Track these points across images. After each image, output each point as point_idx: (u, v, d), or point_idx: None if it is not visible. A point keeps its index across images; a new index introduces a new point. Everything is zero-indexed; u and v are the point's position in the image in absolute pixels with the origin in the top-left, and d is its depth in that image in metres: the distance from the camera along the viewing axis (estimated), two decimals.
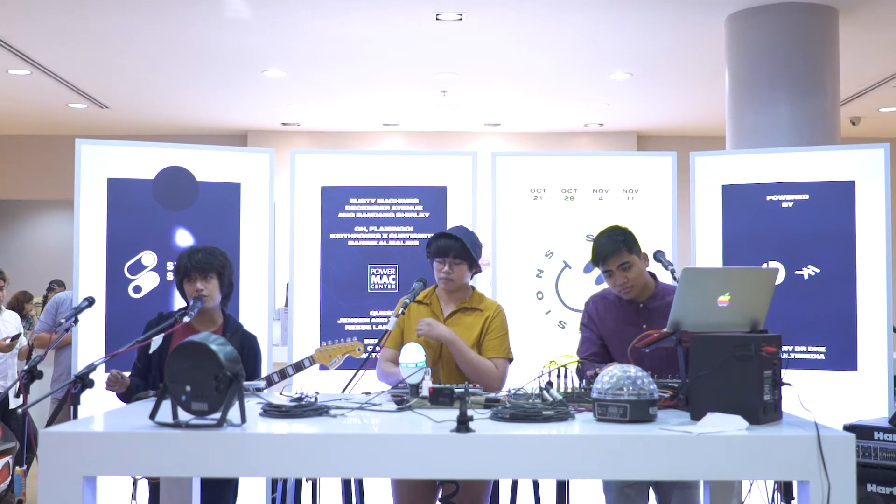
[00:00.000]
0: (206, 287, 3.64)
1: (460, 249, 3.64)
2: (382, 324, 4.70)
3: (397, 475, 3.16)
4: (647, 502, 3.65)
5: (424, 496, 3.54)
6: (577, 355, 3.65)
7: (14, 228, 13.25)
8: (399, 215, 4.83)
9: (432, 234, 3.79)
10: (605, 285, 3.72)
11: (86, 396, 3.34)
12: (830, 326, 4.66)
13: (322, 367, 3.76)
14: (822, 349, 4.66)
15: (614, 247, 3.52)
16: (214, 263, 3.67)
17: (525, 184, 4.90)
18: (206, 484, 3.45)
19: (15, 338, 6.42)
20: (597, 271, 4.75)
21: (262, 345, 4.01)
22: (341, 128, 11.61)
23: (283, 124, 11.48)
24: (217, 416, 2.58)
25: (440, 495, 3.50)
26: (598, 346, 3.64)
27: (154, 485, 3.57)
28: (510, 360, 3.70)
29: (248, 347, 3.72)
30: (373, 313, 4.76)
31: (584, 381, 3.18)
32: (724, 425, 2.55)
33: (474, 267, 3.74)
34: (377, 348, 3.66)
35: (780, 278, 4.68)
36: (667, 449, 2.49)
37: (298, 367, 3.59)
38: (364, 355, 3.59)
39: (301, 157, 4.87)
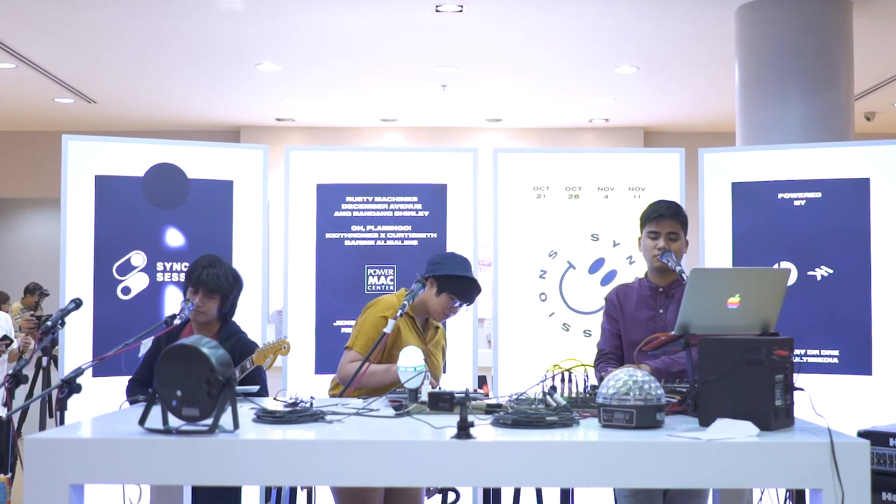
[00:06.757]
0: (206, 305, 3.70)
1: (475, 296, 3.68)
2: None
3: (395, 483, 3.09)
4: None
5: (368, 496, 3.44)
6: (596, 348, 3.67)
7: None
8: (397, 214, 4.78)
9: (458, 275, 3.59)
10: (614, 284, 3.63)
11: (73, 402, 3.28)
12: (844, 329, 4.60)
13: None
14: (836, 353, 4.61)
15: (674, 211, 3.57)
16: (222, 287, 3.72)
17: (528, 181, 4.84)
18: (206, 492, 3.41)
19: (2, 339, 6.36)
20: (602, 272, 4.75)
21: None
22: (337, 123, 11.59)
23: (278, 120, 11.45)
24: (209, 421, 2.55)
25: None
26: (613, 346, 3.62)
27: None
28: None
29: (240, 353, 3.64)
30: None
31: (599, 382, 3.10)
32: (734, 432, 2.51)
33: None
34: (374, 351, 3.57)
35: (792, 279, 4.60)
36: (675, 456, 2.45)
37: (242, 369, 3.55)
38: (289, 353, 3.58)
39: (296, 154, 4.83)
